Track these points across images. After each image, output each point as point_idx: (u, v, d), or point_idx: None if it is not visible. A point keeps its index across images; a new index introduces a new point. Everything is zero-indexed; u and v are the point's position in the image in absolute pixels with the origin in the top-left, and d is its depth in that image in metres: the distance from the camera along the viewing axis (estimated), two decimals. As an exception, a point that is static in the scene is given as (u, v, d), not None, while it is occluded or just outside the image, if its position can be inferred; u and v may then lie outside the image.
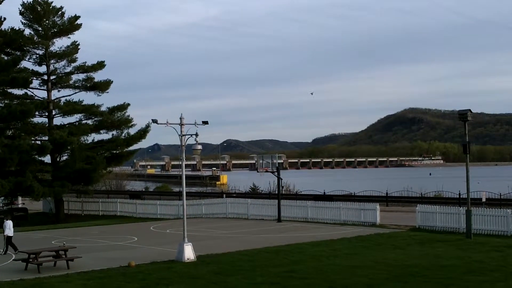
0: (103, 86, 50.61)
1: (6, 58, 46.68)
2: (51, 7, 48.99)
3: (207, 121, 24.19)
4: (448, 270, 19.22)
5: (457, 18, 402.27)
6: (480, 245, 25.47)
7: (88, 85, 50.45)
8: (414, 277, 18.14)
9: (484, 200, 34.03)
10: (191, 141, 23.68)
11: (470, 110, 29.03)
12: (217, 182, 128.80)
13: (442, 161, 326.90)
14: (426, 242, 26.58)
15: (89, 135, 50.40)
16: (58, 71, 50.22)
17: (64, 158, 48.91)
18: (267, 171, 41.04)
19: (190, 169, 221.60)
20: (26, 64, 49.35)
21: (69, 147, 46.75)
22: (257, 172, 42.60)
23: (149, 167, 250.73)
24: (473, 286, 16.59)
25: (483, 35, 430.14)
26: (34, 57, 49.60)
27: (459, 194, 43.24)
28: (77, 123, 50.43)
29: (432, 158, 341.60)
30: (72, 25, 49.83)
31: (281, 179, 40.58)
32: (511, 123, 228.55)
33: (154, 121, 23.50)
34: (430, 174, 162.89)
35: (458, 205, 32.74)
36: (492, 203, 39.52)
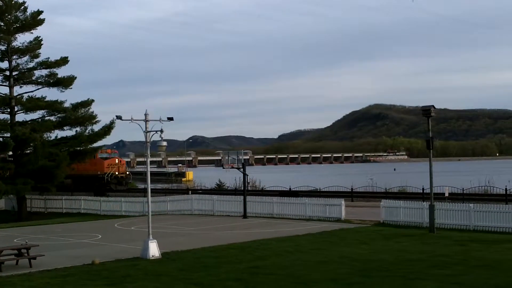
0: (66, 82, 49.95)
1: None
2: (13, 2, 48.15)
3: (172, 118, 24.03)
4: (412, 264, 19.42)
5: (421, 15, 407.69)
6: (443, 239, 25.82)
7: (51, 81, 49.74)
8: (378, 271, 18.28)
9: (447, 195, 34.50)
10: (156, 137, 23.53)
11: (433, 106, 29.38)
12: (183, 179, 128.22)
13: (406, 157, 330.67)
14: (390, 237, 26.83)
15: (52, 131, 49.80)
16: (21, 66, 49.41)
17: (27, 155, 48.15)
18: (233, 168, 40.98)
19: (155, 166, 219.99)
20: (-13, 59, 48.51)
21: (31, 144, 46.07)
22: (223, 168, 42.51)
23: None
24: (436, 279, 16.78)
25: (447, 32, 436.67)
26: (-5, 52, 48.71)
27: (423, 189, 43.82)
28: (40, 119, 49.69)
29: (397, 153, 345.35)
30: (35, 20, 49.05)
31: (247, 175, 40.59)
32: (473, 119, 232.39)
33: (119, 117, 23.23)
34: (394, 169, 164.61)
35: (421, 200, 33.10)
36: (455, 198, 40.09)
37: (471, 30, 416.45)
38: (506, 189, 41.58)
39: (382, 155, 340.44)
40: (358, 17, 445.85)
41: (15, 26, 48.66)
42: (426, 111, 29.36)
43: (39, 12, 49.10)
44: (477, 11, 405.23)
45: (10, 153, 47.97)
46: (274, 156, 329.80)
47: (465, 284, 16.09)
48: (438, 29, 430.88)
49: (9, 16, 48.36)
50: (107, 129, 49.74)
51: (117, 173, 64.13)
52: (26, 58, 49.37)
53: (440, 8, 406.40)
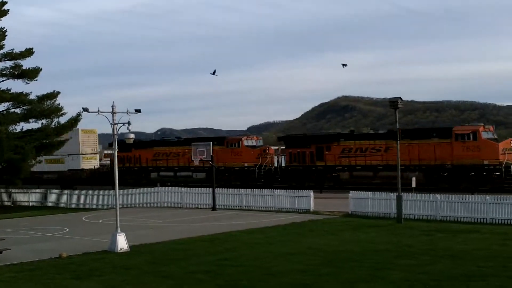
0: (31, 74, 49.20)
1: None
2: (-25, -7, 47.22)
3: (139, 110, 23.86)
4: (380, 255, 19.61)
5: (387, 7, 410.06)
6: (411, 229, 26.12)
7: (16, 72, 48.93)
8: (347, 262, 18.43)
9: (414, 185, 34.82)
10: (124, 129, 23.35)
11: (400, 97, 29.63)
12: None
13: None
14: (358, 228, 27.05)
15: (18, 124, 49.02)
16: (-16, 58, 48.53)
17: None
18: (201, 159, 40.88)
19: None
20: (-51, 51, 47.53)
21: (-4, 137, 45.30)
22: (192, 160, 42.40)
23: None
24: (403, 269, 16.98)
25: (413, 25, 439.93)
26: (-42, 44, 47.75)
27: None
28: (4, 112, 48.91)
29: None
30: (-1, 11, 48.16)
31: (215, 167, 40.48)
32: (440, 110, 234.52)
33: (85, 109, 23.00)
34: None
35: (389, 191, 33.39)
36: (422, 189, 40.51)
37: (435, 23, 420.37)
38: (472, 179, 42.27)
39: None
40: (324, 9, 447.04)
41: (-22, 17, 47.74)
42: (393, 103, 29.60)
43: (3, 3, 48.25)
44: (441, 4, 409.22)
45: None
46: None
47: (431, 273, 16.30)
48: (403, 21, 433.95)
49: (-28, 7, 47.42)
50: (73, 122, 49.28)
51: (270, 165, 54.38)
52: (-11, 50, 48.51)
53: (405, 1, 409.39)
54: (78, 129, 60.25)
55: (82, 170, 64.22)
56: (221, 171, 52.17)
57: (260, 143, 57.31)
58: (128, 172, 59.13)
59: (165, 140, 64.94)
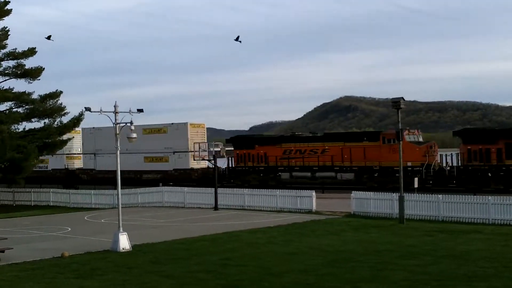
0: (34, 73, 49.23)
1: None
2: (-21, -7, 47.25)
3: (142, 109, 23.94)
4: (382, 255, 19.61)
5: (388, 7, 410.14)
6: (413, 230, 26.10)
7: (19, 72, 48.96)
8: (348, 262, 18.44)
9: (416, 186, 34.79)
10: (125, 129, 23.39)
11: (403, 98, 29.62)
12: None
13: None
14: (360, 228, 27.04)
15: (20, 123, 49.06)
16: (-13, 58, 48.57)
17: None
18: (204, 159, 40.94)
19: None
20: (-47, 50, 47.57)
21: (-1, 136, 45.36)
22: (194, 160, 42.45)
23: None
24: (405, 269, 16.98)
25: (414, 24, 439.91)
26: (-39, 43, 47.79)
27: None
28: (7, 111, 48.93)
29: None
30: (2, 10, 48.14)
31: (218, 167, 40.52)
32: (442, 110, 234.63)
33: (88, 109, 23.09)
34: None
35: (391, 191, 33.38)
36: (424, 189, 40.50)
37: (438, 23, 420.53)
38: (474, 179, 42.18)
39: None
40: (327, 8, 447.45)
41: (-19, 17, 47.77)
42: (396, 103, 29.59)
43: (6, 2, 48.27)
44: (444, 4, 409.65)
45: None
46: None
47: (433, 274, 16.30)
48: (405, 21, 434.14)
49: (-25, 7, 47.45)
50: (76, 121, 49.27)
51: (439, 164, 47.36)
52: (-8, 49, 48.56)
53: (409, 1, 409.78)
54: (186, 123, 55.88)
55: (192, 169, 55.74)
56: (375, 170, 47.44)
57: (421, 138, 49.94)
58: (252, 172, 53.73)
59: (297, 135, 56.63)
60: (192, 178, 54.23)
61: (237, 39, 52.38)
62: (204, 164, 54.53)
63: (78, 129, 61.49)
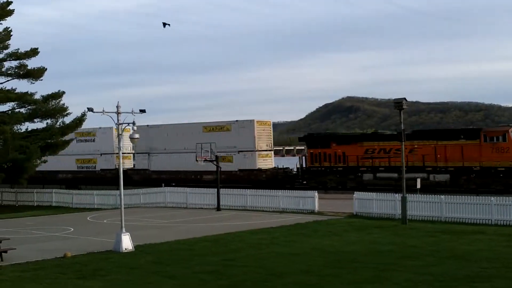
0: (36, 74, 49.27)
1: None
2: (-19, -7, 47.31)
3: (144, 110, 23.99)
4: (384, 256, 19.61)
5: (390, 7, 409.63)
6: (415, 230, 26.08)
7: (21, 72, 49.00)
8: (351, 263, 18.43)
9: (419, 186, 34.76)
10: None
11: (405, 98, 29.60)
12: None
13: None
14: (362, 229, 27.03)
15: (23, 124, 49.11)
16: (-11, 58, 48.66)
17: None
18: (206, 160, 40.90)
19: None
20: (-45, 51, 47.66)
21: (1, 137, 45.41)
22: (196, 161, 42.42)
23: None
24: (407, 270, 16.97)
25: (417, 25, 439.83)
26: (-37, 44, 47.87)
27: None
28: (9, 111, 49.00)
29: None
30: (4, 10, 48.21)
31: (220, 168, 40.52)
32: (445, 111, 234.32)
33: (90, 109, 23.12)
34: None
35: (394, 192, 33.36)
36: (427, 189, 40.44)
37: (439, 23, 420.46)
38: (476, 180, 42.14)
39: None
40: (330, 9, 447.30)
41: (-17, 17, 47.83)
42: (398, 103, 29.57)
43: (9, 3, 48.32)
44: (446, 4, 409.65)
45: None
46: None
47: (436, 274, 16.29)
48: (407, 22, 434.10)
49: (-22, 7, 47.51)
50: (78, 122, 49.25)
51: None
52: (-5, 49, 48.64)
53: (411, 1, 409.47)
54: (253, 120, 53.03)
55: (260, 170, 52.32)
56: (474, 171, 43.49)
57: None
58: (329, 172, 49.37)
59: (381, 133, 52.58)
60: (259, 179, 51.12)
61: (164, 25, 49.35)
62: (271, 163, 53.53)
63: (128, 127, 60.46)
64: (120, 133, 23.36)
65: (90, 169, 61.73)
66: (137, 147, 58.50)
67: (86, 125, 53.70)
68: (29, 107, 49.18)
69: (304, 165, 51.23)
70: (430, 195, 31.74)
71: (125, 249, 21.90)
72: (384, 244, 22.21)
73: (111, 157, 60.43)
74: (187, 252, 21.26)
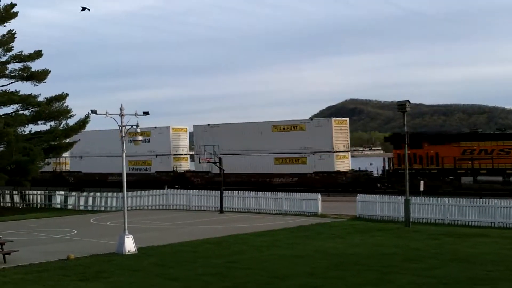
0: (40, 76, 49.40)
1: None
2: (-15, -5, 47.44)
3: (148, 112, 23.97)
4: (387, 258, 19.58)
5: (392, 9, 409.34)
6: (418, 233, 26.04)
7: (25, 74, 49.12)
8: (354, 265, 18.42)
9: (422, 189, 34.71)
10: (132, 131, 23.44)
11: (408, 101, 29.59)
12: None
13: (382, 151, 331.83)
14: (366, 231, 27.00)
15: (26, 126, 49.22)
16: (-7, 60, 48.76)
17: (0, 149, 47.56)
18: (209, 162, 40.92)
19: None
20: (-41, 53, 47.79)
21: (5, 139, 45.50)
22: (199, 162, 42.46)
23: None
24: (411, 273, 16.95)
25: (420, 27, 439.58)
26: (-33, 46, 47.99)
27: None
28: (13, 113, 49.08)
29: (373, 148, 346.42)
30: (8, 13, 48.35)
31: (223, 170, 40.52)
32: (448, 113, 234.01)
33: (94, 111, 23.14)
34: (371, 164, 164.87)
35: (397, 194, 33.32)
36: (430, 192, 40.32)
37: (442, 25, 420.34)
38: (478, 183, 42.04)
39: (359, 150, 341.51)
40: (332, 11, 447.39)
41: (-12, 19, 47.96)
42: (402, 106, 29.55)
43: (13, 5, 48.44)
44: (448, 6, 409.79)
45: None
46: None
47: (439, 277, 16.27)
48: (409, 24, 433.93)
49: (-18, 10, 47.63)
50: (82, 124, 49.33)
51: None
52: (-1, 51, 48.76)
53: (409, 2, 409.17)
54: (330, 118, 50.04)
55: (338, 172, 48.48)
56: None
57: None
58: (421, 175, 43.17)
59: (481, 132, 46.46)
60: (339, 183, 47.67)
61: (83, 9, 45.98)
62: (348, 166, 49.70)
63: (185, 126, 58.80)
64: (123, 135, 23.31)
65: (144, 171, 57.62)
66: (198, 147, 54.54)
67: (89, 127, 53.25)
68: (32, 109, 49.29)
69: (388, 167, 47.16)
70: (434, 198, 31.69)
71: (128, 251, 21.90)
72: (387, 247, 22.18)
73: (167, 158, 56.45)
74: (190, 254, 21.27)
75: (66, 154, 62.03)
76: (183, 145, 58.21)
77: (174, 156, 57.11)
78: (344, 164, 49.43)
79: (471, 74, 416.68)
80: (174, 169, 56.51)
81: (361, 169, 50.23)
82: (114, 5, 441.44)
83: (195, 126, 56.65)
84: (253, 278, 16.78)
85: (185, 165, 58.23)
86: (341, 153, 49.27)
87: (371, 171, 49.40)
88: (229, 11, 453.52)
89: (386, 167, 47.38)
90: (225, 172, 50.50)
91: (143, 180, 55.81)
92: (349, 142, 51.41)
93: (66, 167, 65.25)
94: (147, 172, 57.48)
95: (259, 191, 39.92)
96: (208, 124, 54.86)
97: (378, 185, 47.62)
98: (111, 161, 54.64)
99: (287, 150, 49.69)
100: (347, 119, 52.41)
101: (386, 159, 48.04)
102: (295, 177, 48.87)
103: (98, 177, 59.23)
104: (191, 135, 60.07)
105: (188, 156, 59.23)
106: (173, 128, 57.69)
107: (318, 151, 48.54)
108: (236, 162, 50.90)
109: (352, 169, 49.69)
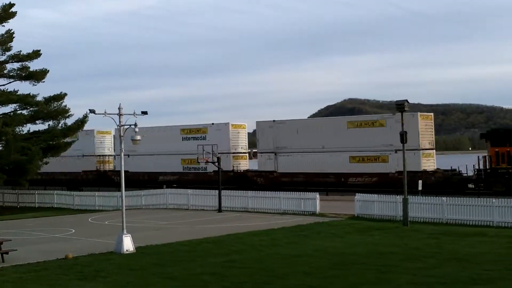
0: (39, 76, 49.38)
1: None
2: (-16, -5, 47.38)
3: (146, 112, 23.94)
4: (386, 257, 19.58)
5: (392, 10, 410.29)
6: (417, 232, 26.05)
7: (24, 74, 49.13)
8: (352, 264, 18.41)
9: (420, 188, 34.70)
10: (129, 131, 23.40)
11: (407, 100, 29.60)
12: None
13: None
14: (364, 230, 27.00)
15: (25, 125, 49.16)
16: (-8, 60, 48.73)
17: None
18: (208, 162, 40.91)
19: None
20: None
21: (3, 138, 45.46)
22: (198, 162, 42.45)
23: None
24: (409, 272, 16.95)
25: (419, 27, 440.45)
26: (-34, 45, 47.95)
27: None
28: (12, 113, 49.04)
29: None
30: (7, 13, 48.32)
31: (222, 169, 40.51)
32: (446, 113, 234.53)
33: (92, 111, 23.10)
34: None
35: (395, 194, 33.32)
36: (428, 191, 40.31)
37: (441, 25, 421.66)
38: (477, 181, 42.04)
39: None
40: (331, 11, 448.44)
41: (-14, 19, 47.91)
42: (400, 105, 29.55)
43: (11, 5, 48.41)
44: (447, 7, 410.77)
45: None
46: (249, 151, 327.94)
47: (437, 276, 16.27)
48: (409, 24, 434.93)
49: (-20, 9, 47.60)
50: (80, 123, 49.28)
51: None
52: (-3, 51, 48.73)
53: (409, 3, 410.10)
54: (416, 113, 45.83)
55: (425, 172, 44.42)
56: None
57: None
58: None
59: None
60: (426, 183, 40.88)
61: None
62: (433, 164, 46.22)
63: (244, 123, 56.45)
64: (122, 134, 23.28)
65: (200, 171, 53.47)
66: (261, 145, 53.14)
67: (87, 127, 52.95)
68: (31, 109, 49.28)
69: (482, 167, 42.93)
70: (432, 197, 31.69)
71: (127, 250, 21.89)
72: (385, 246, 22.18)
73: (226, 157, 51.58)
74: (189, 254, 21.25)
75: (110, 152, 61.76)
76: (242, 142, 55.72)
77: (233, 154, 54.48)
78: (429, 162, 46.19)
79: (470, 74, 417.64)
80: (234, 168, 53.75)
81: (452, 168, 46.35)
82: (114, 5, 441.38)
83: (257, 123, 54.01)
84: (251, 277, 16.77)
85: (244, 164, 55.55)
86: (426, 151, 46.00)
87: (460, 171, 45.92)
88: (229, 11, 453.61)
89: (480, 166, 43.12)
90: (290, 171, 49.79)
91: (198, 180, 52.90)
92: (434, 139, 48.10)
93: (109, 166, 62.81)
94: (203, 171, 53.35)
95: (332, 191, 38.94)
96: (273, 120, 52.67)
97: (470, 185, 44.14)
98: (164, 160, 54.33)
99: (365, 148, 46.74)
100: (432, 114, 49.21)
101: (481, 158, 43.49)
102: (375, 177, 45.97)
103: (147, 177, 57.44)
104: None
105: (247, 154, 56.90)
106: (232, 125, 55.12)
107: (401, 148, 46.06)
108: (303, 160, 49.36)
109: (437, 168, 46.32)
